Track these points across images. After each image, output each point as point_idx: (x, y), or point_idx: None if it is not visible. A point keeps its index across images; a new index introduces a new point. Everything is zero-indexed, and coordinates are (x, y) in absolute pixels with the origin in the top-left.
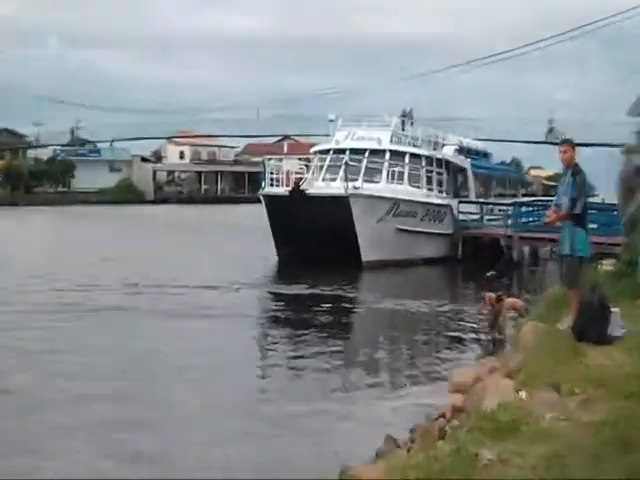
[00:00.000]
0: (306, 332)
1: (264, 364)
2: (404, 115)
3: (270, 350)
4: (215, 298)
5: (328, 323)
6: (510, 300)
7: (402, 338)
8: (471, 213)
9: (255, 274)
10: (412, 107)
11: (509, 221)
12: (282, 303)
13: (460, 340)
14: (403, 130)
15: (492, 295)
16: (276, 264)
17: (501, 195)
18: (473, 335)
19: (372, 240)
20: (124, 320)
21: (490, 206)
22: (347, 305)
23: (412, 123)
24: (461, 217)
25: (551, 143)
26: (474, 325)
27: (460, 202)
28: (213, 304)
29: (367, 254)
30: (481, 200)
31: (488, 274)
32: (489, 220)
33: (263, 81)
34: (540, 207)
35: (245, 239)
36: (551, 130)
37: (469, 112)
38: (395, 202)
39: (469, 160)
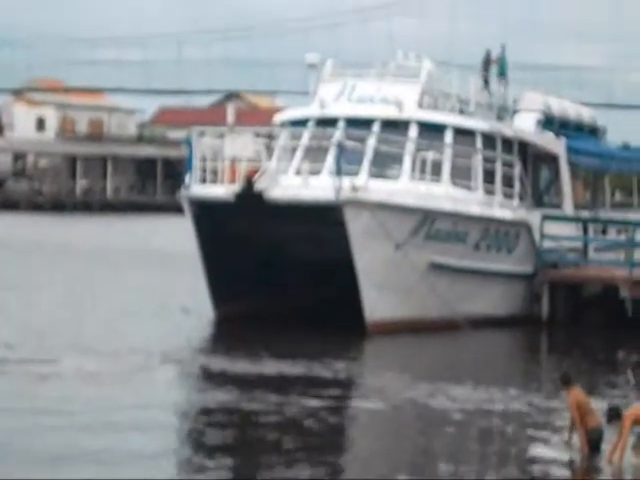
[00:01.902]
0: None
1: None
2: (487, 61)
3: None
4: (104, 392)
5: (304, 435)
6: (636, 410)
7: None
8: (567, 238)
9: (173, 344)
10: (504, 44)
11: (637, 255)
12: (222, 399)
13: None
14: (486, 85)
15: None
16: (212, 325)
17: (622, 206)
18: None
19: (384, 283)
20: None
21: (602, 226)
22: (339, 403)
23: (504, 78)
24: (547, 245)
25: None
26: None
27: (546, 218)
28: (103, 405)
29: (375, 308)
30: (586, 215)
31: (629, 375)
32: (599, 251)
33: None
34: None
35: (154, 277)
36: None
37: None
38: (427, 215)
39: (563, 140)
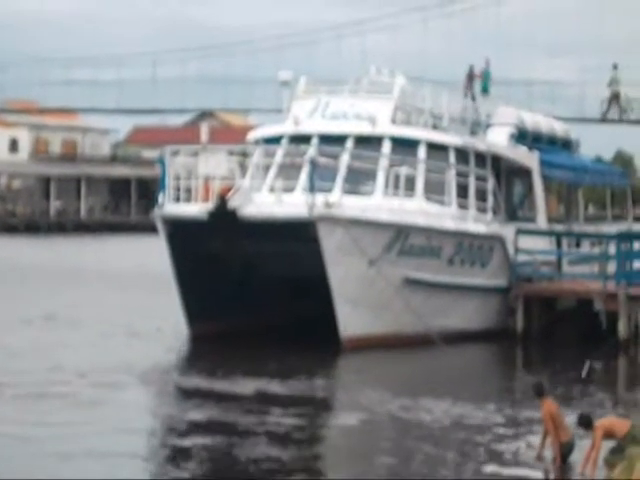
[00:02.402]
0: None
1: None
2: (471, 75)
3: None
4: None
5: (281, 458)
6: (607, 421)
7: None
8: (540, 252)
9: (148, 363)
10: (488, 59)
11: (611, 268)
12: (197, 417)
13: None
14: (472, 100)
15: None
16: (186, 343)
17: (596, 219)
18: None
19: (358, 299)
20: None
21: (575, 239)
22: (316, 419)
23: (487, 94)
24: (521, 259)
25: None
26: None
27: (520, 232)
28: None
29: (349, 324)
30: (559, 229)
31: (584, 371)
32: (573, 264)
33: (162, 11)
34: None
35: (129, 297)
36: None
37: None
38: (401, 230)
39: (536, 154)
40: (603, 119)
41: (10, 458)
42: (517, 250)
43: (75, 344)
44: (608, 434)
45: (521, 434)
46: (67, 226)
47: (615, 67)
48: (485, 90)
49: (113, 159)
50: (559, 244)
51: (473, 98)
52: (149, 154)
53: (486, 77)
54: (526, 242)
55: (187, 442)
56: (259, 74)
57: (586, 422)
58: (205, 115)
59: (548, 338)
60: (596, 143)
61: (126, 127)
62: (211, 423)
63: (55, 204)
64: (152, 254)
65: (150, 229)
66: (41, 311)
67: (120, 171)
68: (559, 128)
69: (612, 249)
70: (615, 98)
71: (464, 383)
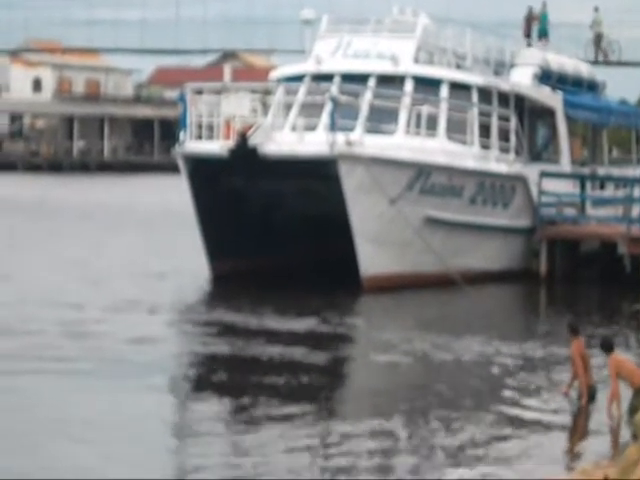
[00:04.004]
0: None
1: None
2: (529, 18)
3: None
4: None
5: (302, 387)
6: (621, 359)
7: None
8: (564, 195)
9: (172, 299)
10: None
11: (635, 211)
12: (220, 351)
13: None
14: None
15: None
16: (208, 283)
17: (620, 162)
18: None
19: (379, 238)
20: None
21: (600, 182)
22: (337, 354)
23: (545, 36)
24: (545, 200)
25: None
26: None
27: (543, 174)
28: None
29: (370, 263)
30: (583, 171)
31: (636, 308)
32: (597, 207)
33: None
34: None
35: (153, 237)
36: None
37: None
38: (422, 169)
39: (560, 95)
40: (594, 61)
41: None
42: (541, 192)
43: (99, 283)
44: (621, 372)
45: (548, 372)
46: (90, 166)
47: (596, 9)
48: (544, 33)
49: (136, 99)
50: (583, 187)
51: (529, 38)
52: (172, 94)
53: (544, 20)
54: (550, 184)
55: (212, 375)
56: (282, 14)
57: (607, 345)
58: (228, 56)
59: (572, 280)
60: (622, 86)
61: (149, 67)
62: (235, 356)
63: (78, 144)
64: (175, 193)
65: (173, 169)
66: (71, 253)
67: (143, 111)
68: (585, 70)
69: (637, 192)
70: (597, 40)
71: (488, 322)
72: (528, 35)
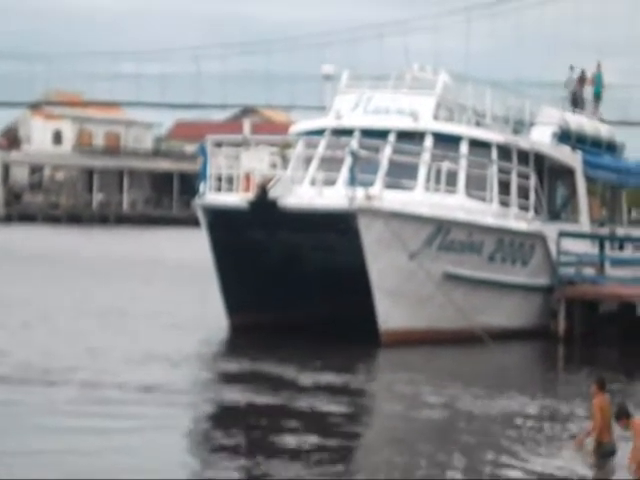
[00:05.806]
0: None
1: None
2: (582, 80)
3: None
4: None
5: (320, 447)
6: None
7: None
8: (584, 255)
9: (192, 350)
10: (600, 62)
11: None
12: (248, 400)
13: None
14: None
15: None
16: (226, 335)
17: (639, 222)
18: None
19: (398, 293)
20: None
21: (619, 243)
22: (357, 407)
23: (599, 97)
24: (564, 260)
25: None
26: None
27: (562, 234)
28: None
29: (388, 317)
30: (602, 231)
31: None
32: (616, 267)
33: (211, 7)
34: None
35: (169, 287)
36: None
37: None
38: (441, 224)
39: (580, 155)
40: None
41: None
42: (559, 252)
43: (119, 331)
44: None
45: (566, 429)
46: (109, 218)
47: (571, 68)
48: (598, 95)
49: (156, 153)
50: (602, 247)
51: (580, 101)
52: (191, 148)
53: (598, 81)
54: (569, 244)
55: (231, 424)
56: (302, 71)
57: (621, 412)
58: (247, 111)
59: (590, 340)
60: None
61: (169, 121)
62: (251, 406)
63: (98, 196)
64: (194, 246)
65: (192, 223)
66: (94, 304)
67: (162, 165)
68: (604, 130)
69: None
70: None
71: (510, 378)
72: (580, 98)
